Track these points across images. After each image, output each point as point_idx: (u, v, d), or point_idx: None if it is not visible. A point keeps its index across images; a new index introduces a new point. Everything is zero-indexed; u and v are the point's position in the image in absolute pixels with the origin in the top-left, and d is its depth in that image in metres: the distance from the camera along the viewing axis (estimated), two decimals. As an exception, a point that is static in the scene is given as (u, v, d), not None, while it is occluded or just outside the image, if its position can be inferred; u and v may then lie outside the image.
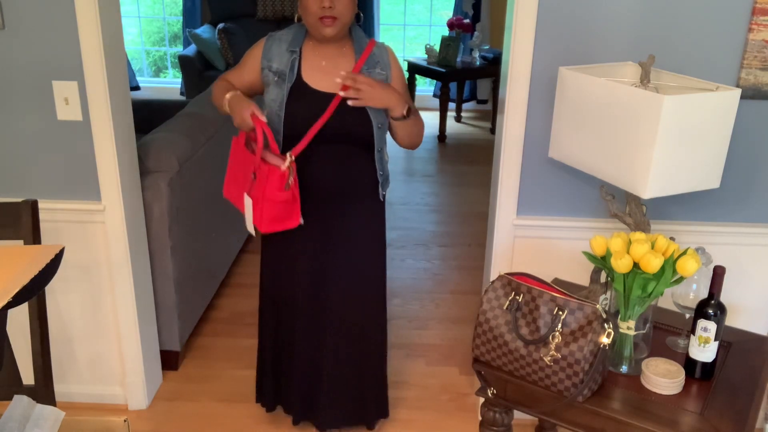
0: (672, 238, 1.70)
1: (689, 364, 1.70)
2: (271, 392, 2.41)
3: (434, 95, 6.72)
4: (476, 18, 6.41)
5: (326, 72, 2.02)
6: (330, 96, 1.98)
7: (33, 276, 1.13)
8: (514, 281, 1.71)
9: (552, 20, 2.07)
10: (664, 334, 1.91)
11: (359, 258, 2.21)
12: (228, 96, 1.99)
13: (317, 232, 2.13)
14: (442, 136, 5.93)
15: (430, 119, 6.42)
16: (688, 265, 1.60)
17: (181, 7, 6.72)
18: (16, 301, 1.06)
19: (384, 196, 2.20)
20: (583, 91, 1.82)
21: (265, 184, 1.91)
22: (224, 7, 6.37)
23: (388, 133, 2.12)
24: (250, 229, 2.01)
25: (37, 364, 1.69)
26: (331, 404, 2.30)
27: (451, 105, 6.58)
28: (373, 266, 2.26)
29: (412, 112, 2.03)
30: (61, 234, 2.35)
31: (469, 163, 5.41)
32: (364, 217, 2.19)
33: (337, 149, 2.05)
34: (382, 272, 2.30)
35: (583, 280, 2.22)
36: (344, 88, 1.90)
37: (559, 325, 1.60)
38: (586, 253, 1.74)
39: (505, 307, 1.69)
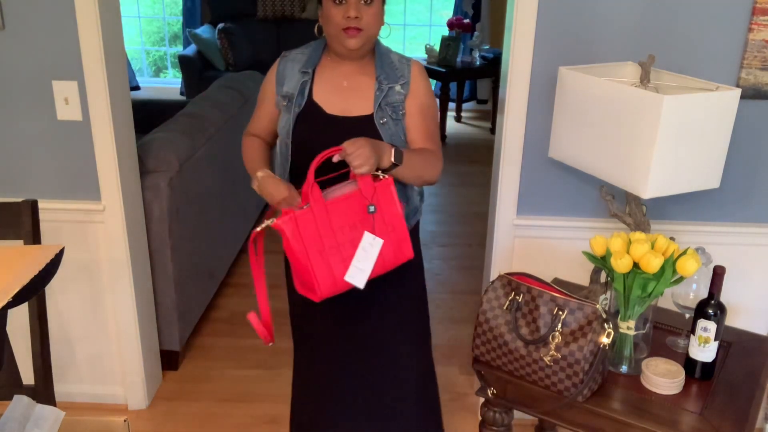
0: (672, 238, 1.69)
1: (689, 364, 1.70)
2: None
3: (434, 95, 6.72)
4: (476, 18, 6.41)
5: (345, 93, 1.79)
6: (346, 120, 1.76)
7: (33, 276, 1.12)
8: (514, 281, 1.71)
9: (552, 20, 2.07)
10: (664, 334, 1.90)
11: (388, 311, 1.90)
12: (259, 175, 1.69)
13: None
14: (442, 136, 5.93)
15: (430, 119, 6.42)
16: (688, 265, 1.60)
17: (181, 7, 6.72)
18: (16, 301, 1.06)
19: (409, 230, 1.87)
20: (583, 91, 1.82)
21: (389, 210, 1.62)
22: (224, 7, 6.37)
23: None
24: (363, 279, 1.59)
25: (37, 364, 1.69)
26: None
27: (451, 105, 6.57)
28: (408, 329, 1.95)
29: (404, 156, 1.70)
30: (61, 234, 2.35)
31: (469, 163, 5.41)
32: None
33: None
34: (421, 338, 2.00)
35: (583, 280, 2.22)
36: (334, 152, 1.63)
37: (559, 325, 1.60)
38: (586, 253, 1.74)
39: (505, 307, 1.69)
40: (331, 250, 1.57)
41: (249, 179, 1.78)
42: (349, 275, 1.57)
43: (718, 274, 1.63)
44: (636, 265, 1.61)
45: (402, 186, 1.83)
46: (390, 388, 1.95)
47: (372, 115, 1.77)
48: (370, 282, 1.65)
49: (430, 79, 6.47)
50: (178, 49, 7.15)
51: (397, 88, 1.79)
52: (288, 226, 1.55)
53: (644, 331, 1.75)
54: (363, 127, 1.75)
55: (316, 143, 1.66)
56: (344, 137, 1.61)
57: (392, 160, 1.65)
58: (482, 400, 1.89)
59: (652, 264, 1.57)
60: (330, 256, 1.57)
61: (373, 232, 1.59)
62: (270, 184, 1.64)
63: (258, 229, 1.63)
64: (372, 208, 1.59)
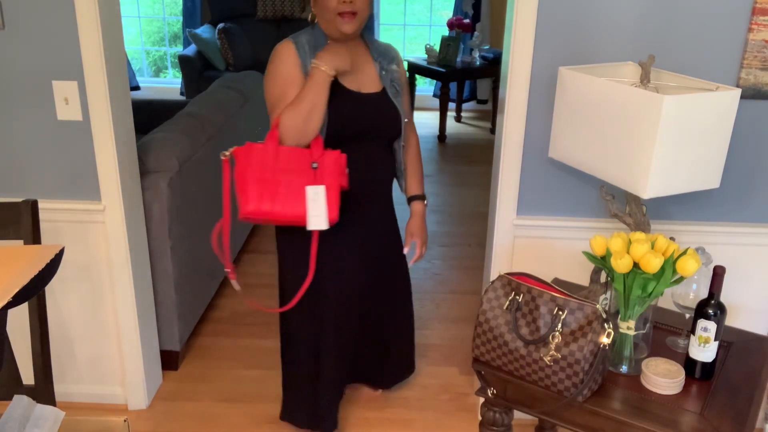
0: (672, 238, 1.70)
1: (689, 364, 1.70)
2: (307, 407, 2.37)
3: (434, 95, 6.72)
4: (476, 18, 6.40)
5: (354, 72, 2.01)
6: (365, 96, 2.03)
7: (33, 276, 1.12)
8: (514, 281, 1.71)
9: (552, 20, 2.07)
10: (664, 334, 1.91)
11: (396, 246, 2.37)
12: (317, 61, 1.89)
13: (361, 231, 2.18)
14: (442, 136, 5.93)
15: (430, 119, 6.42)
16: (688, 265, 1.60)
17: (181, 7, 6.72)
18: (16, 301, 1.06)
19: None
20: (583, 91, 1.82)
21: (335, 169, 1.89)
22: (224, 7, 6.37)
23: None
24: (324, 223, 1.88)
25: (37, 364, 1.69)
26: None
27: (451, 105, 6.58)
28: (400, 250, 2.39)
29: (423, 186, 2.35)
30: (61, 234, 2.35)
31: (469, 163, 5.41)
32: (391, 208, 2.30)
33: (370, 146, 2.08)
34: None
35: (583, 280, 2.22)
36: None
37: (559, 325, 1.60)
38: (586, 253, 1.74)
39: (505, 307, 1.69)
40: (268, 182, 1.85)
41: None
42: (311, 224, 1.87)
43: (718, 274, 1.64)
44: (636, 265, 1.62)
45: (400, 149, 2.19)
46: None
47: (382, 91, 2.06)
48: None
49: (430, 79, 6.51)
50: (178, 49, 7.15)
51: (393, 66, 2.11)
52: (242, 152, 1.88)
53: (644, 331, 1.75)
54: (382, 101, 2.04)
55: (343, 115, 1.95)
56: (368, 111, 2.02)
57: (425, 203, 2.33)
58: (482, 400, 1.89)
59: (652, 264, 1.57)
60: (265, 186, 1.85)
61: (314, 183, 1.88)
62: (334, 53, 1.90)
63: (226, 154, 1.89)
64: (315, 165, 1.88)
